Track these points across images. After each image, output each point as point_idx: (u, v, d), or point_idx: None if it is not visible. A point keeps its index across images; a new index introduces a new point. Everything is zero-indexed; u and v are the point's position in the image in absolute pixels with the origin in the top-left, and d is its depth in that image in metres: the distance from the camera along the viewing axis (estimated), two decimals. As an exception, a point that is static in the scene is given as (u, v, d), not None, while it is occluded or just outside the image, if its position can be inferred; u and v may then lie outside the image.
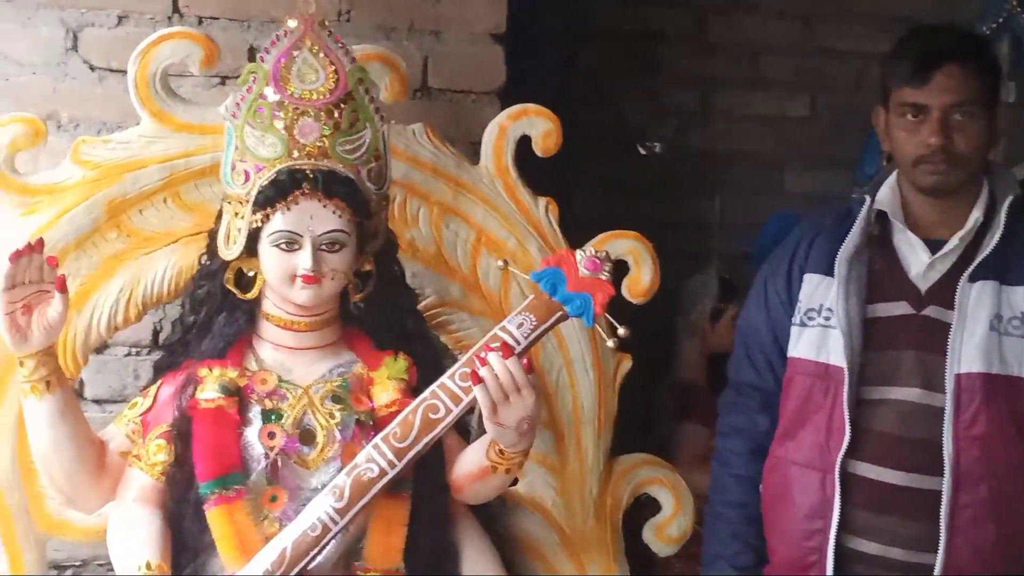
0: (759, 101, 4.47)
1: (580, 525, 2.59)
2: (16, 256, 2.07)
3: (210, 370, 2.24)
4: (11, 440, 2.37)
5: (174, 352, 2.36)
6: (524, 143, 2.59)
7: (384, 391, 2.29)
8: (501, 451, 2.16)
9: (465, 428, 2.40)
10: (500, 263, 2.24)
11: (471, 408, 2.17)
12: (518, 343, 2.14)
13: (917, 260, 2.35)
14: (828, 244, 2.42)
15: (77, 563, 2.74)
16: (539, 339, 2.18)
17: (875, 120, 2.47)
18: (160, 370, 2.37)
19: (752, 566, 2.48)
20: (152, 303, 2.46)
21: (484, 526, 2.42)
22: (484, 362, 2.09)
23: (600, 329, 2.15)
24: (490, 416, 2.09)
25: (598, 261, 2.18)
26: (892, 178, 2.44)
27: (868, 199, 2.40)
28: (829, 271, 2.38)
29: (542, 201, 2.61)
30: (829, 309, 2.36)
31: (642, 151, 4.37)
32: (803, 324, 2.41)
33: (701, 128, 4.41)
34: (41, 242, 2.11)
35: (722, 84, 4.45)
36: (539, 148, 2.58)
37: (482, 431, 2.21)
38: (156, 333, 2.76)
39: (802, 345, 2.41)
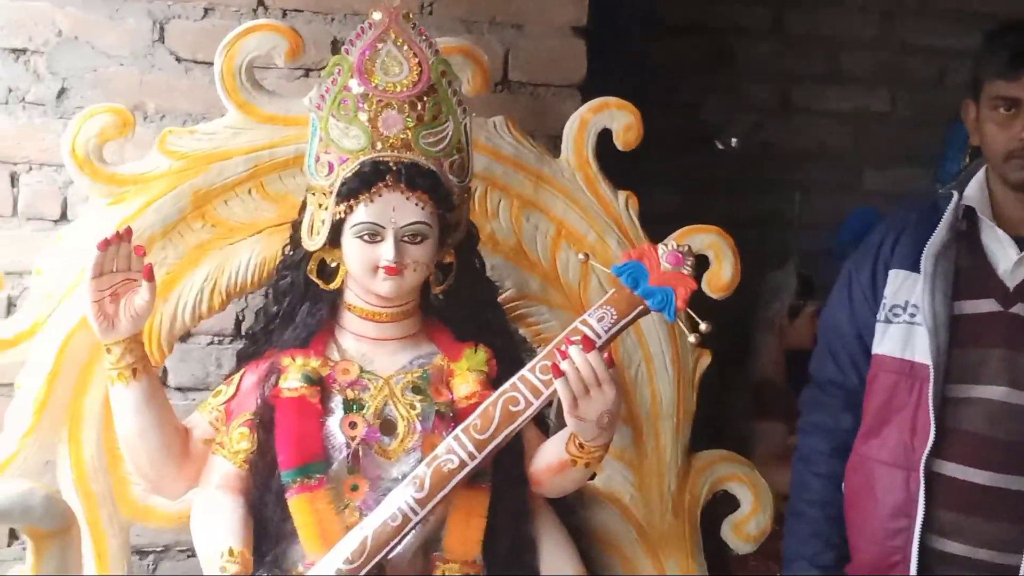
0: (838, 97, 4.43)
1: (658, 521, 2.58)
2: (104, 245, 2.10)
3: (293, 359, 2.26)
4: (97, 426, 2.40)
5: (257, 341, 2.38)
6: (602, 137, 2.59)
7: (464, 383, 2.30)
8: (581, 445, 2.16)
9: (544, 421, 2.40)
10: (581, 256, 2.24)
11: (550, 401, 2.18)
12: (599, 337, 2.14)
13: (1005, 257, 2.30)
14: (914, 240, 2.38)
15: (159, 548, 2.78)
16: (620, 333, 2.18)
17: (964, 114, 2.43)
18: (243, 359, 2.39)
19: (833, 565, 2.45)
20: (236, 292, 2.48)
21: (562, 519, 2.41)
22: (565, 355, 2.09)
23: (682, 324, 2.14)
24: (571, 409, 2.09)
25: (680, 255, 2.17)
26: (980, 173, 2.40)
27: (956, 194, 2.37)
28: (915, 267, 2.35)
29: (622, 195, 2.61)
30: (915, 306, 2.32)
31: (719, 147, 4.35)
32: (888, 321, 2.37)
33: (779, 124, 4.38)
34: (129, 231, 2.15)
35: (801, 79, 4.42)
36: (620, 142, 2.58)
37: (561, 424, 2.21)
38: (239, 322, 2.79)
39: (887, 342, 2.37)
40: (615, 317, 2.16)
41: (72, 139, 2.37)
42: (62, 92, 2.71)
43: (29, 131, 2.70)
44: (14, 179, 2.71)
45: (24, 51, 2.70)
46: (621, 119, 2.57)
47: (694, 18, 4.20)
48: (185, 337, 2.69)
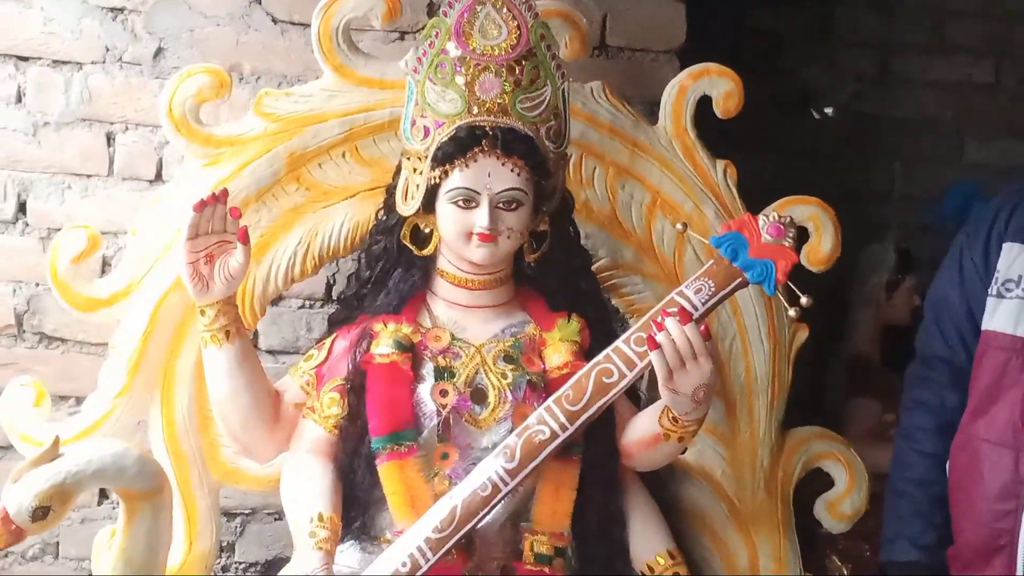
0: (941, 67, 4.32)
1: (750, 497, 2.54)
2: (200, 206, 2.09)
3: (385, 325, 2.24)
4: (189, 387, 2.40)
5: (349, 306, 2.37)
6: (700, 104, 2.54)
7: (556, 353, 2.26)
8: (675, 419, 2.12)
9: (636, 394, 2.36)
10: (678, 226, 2.19)
11: (644, 374, 2.14)
12: (696, 309, 2.09)
13: None
14: None
15: (247, 511, 2.78)
16: (717, 306, 2.14)
17: None
18: (335, 324, 2.37)
19: (935, 546, 2.36)
20: (328, 256, 2.47)
21: (652, 494, 2.38)
22: (661, 327, 2.04)
23: (781, 297, 2.09)
24: (665, 382, 2.05)
25: (782, 227, 2.12)
26: None
27: None
28: None
29: (720, 164, 2.55)
30: None
31: (816, 116, 4.26)
32: (1000, 296, 2.27)
33: (879, 94, 4.30)
34: (225, 193, 2.14)
35: (903, 48, 4.33)
36: (720, 109, 2.53)
37: (653, 397, 2.17)
38: (329, 287, 2.78)
39: (998, 318, 2.27)
40: (713, 289, 2.11)
41: (169, 99, 2.37)
42: (159, 52, 2.70)
43: (125, 90, 2.69)
44: (110, 138, 2.71)
45: (122, 10, 2.69)
46: (721, 86, 2.51)
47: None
48: (276, 300, 2.67)
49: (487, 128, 2.15)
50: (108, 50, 2.69)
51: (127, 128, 2.70)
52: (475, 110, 2.16)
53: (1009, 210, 2.34)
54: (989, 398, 2.27)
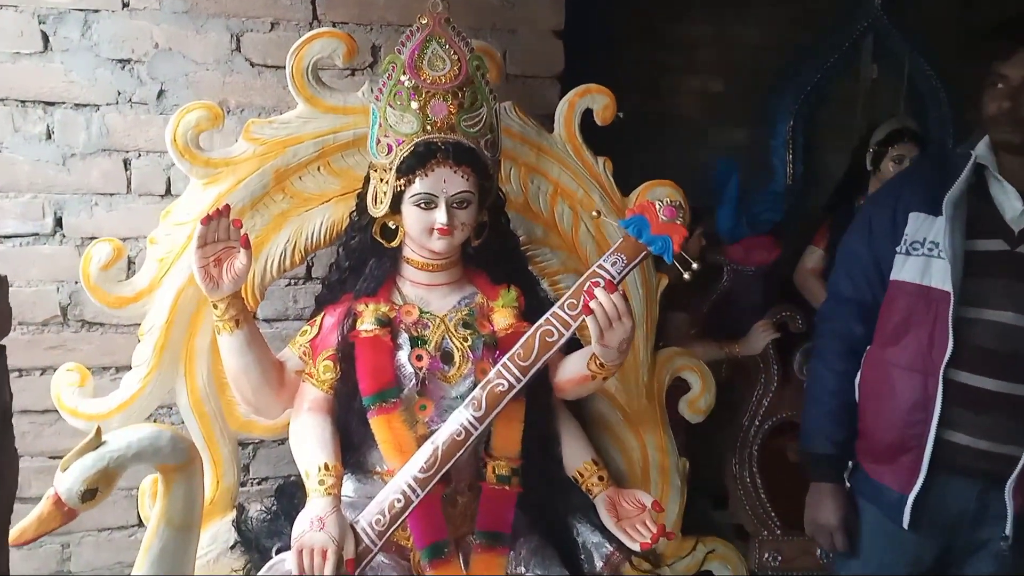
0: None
1: (636, 404, 2.08)
2: (207, 220, 1.54)
3: (367, 305, 1.71)
4: (207, 361, 1.83)
5: (333, 289, 1.81)
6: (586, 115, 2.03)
7: (502, 317, 1.76)
8: (601, 364, 1.65)
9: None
10: (594, 213, 1.72)
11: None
12: (614, 278, 1.62)
13: (1011, 206, 1.78)
14: (929, 188, 1.83)
15: (256, 441, 2.22)
16: (628, 274, 1.66)
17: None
18: (322, 303, 1.82)
19: (844, 442, 1.92)
20: (312, 249, 1.90)
21: (572, 412, 1.91)
22: (592, 295, 1.57)
23: (677, 264, 1.63)
24: (598, 339, 1.58)
25: (674, 209, 1.65)
26: (987, 137, 1.84)
27: (973, 153, 1.83)
28: (933, 211, 1.80)
29: (601, 160, 2.05)
30: (933, 242, 1.78)
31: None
32: (907, 253, 1.82)
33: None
34: (228, 207, 1.58)
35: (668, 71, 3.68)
36: (599, 118, 2.01)
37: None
38: (308, 268, 2.21)
39: (906, 271, 1.82)
40: (625, 261, 1.63)
41: (173, 131, 1.78)
42: (161, 93, 2.08)
43: (136, 125, 2.07)
44: (127, 163, 2.09)
45: (128, 60, 2.06)
46: (600, 100, 2.01)
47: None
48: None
49: (439, 143, 1.63)
50: (120, 93, 2.06)
51: (140, 155, 2.08)
52: (428, 129, 1.63)
53: (913, 184, 1.89)
54: (899, 332, 1.83)
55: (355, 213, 1.79)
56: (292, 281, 2.22)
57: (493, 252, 1.81)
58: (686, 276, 1.61)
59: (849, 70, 3.52)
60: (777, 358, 2.94)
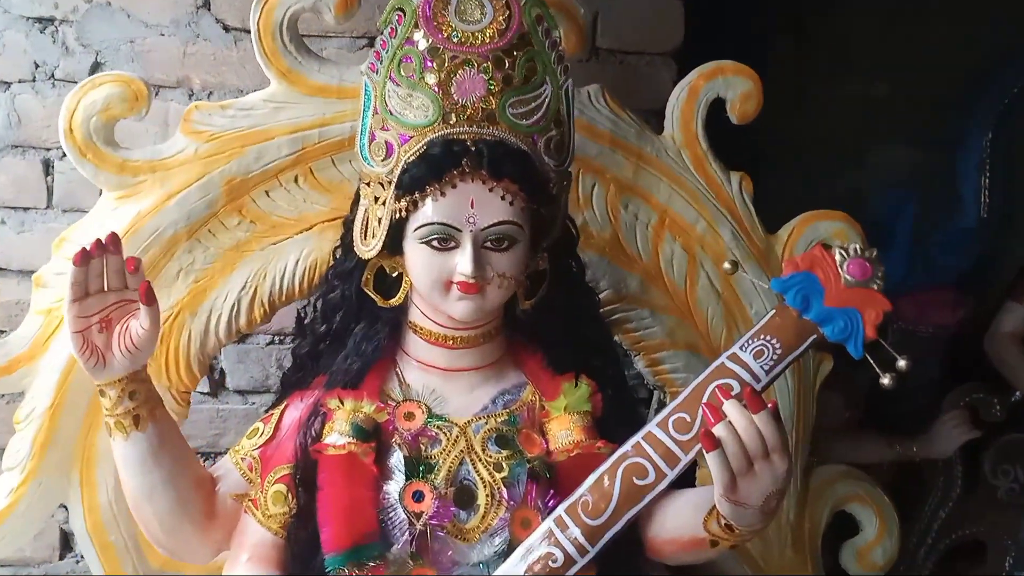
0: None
1: (777, 557, 1.45)
2: (82, 258, 1.00)
3: (341, 402, 1.13)
4: (112, 468, 1.26)
5: (303, 367, 1.25)
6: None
7: (563, 428, 1.14)
8: (729, 526, 1.02)
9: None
10: (726, 266, 1.08)
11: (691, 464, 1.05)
12: (757, 380, 1.01)
13: None
14: None
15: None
16: (782, 372, 1.04)
17: None
18: (287, 386, 1.26)
19: None
20: (282, 302, 1.35)
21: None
22: (718, 413, 0.96)
23: (870, 360, 1.00)
24: (727, 490, 0.96)
25: (868, 264, 1.03)
26: None
27: None
28: None
29: (736, 177, 1.44)
30: None
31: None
32: None
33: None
34: (116, 239, 1.04)
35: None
36: (736, 114, 1.41)
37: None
38: (301, 320, 1.64)
39: None
40: (779, 352, 1.02)
41: (68, 117, 1.26)
42: (96, 67, 1.56)
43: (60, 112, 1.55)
44: (48, 166, 1.59)
45: (51, 20, 1.56)
46: (738, 86, 1.40)
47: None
48: (243, 337, 1.58)
49: (468, 142, 1.05)
50: (38, 66, 1.57)
51: (65, 155, 1.56)
52: (452, 119, 1.06)
53: None
54: None
55: (339, 250, 1.23)
56: (276, 339, 1.68)
57: (556, 319, 1.20)
58: (885, 381, 0.99)
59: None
60: (960, 456, 2.37)
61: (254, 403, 1.67)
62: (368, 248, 1.13)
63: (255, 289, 1.32)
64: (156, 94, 1.53)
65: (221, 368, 1.66)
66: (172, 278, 1.29)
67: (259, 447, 1.17)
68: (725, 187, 1.44)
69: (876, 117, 2.96)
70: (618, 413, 1.17)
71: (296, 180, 1.32)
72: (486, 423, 1.13)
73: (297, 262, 1.32)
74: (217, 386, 1.68)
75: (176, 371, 1.30)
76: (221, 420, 1.67)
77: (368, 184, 1.13)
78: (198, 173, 1.29)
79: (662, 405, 1.44)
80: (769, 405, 0.97)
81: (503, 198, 1.05)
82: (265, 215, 1.32)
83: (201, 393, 1.66)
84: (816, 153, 2.87)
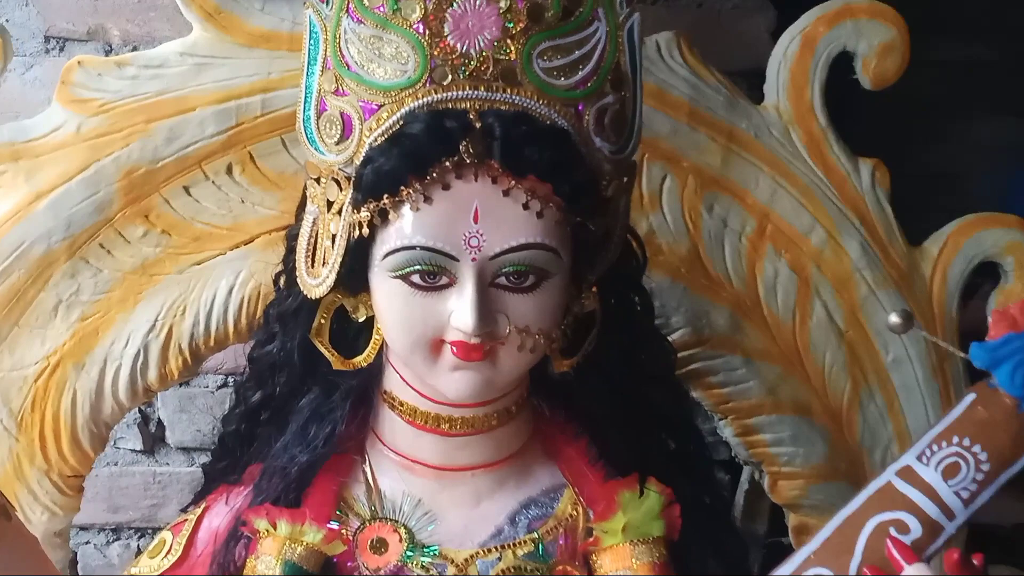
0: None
1: None
2: None
3: (273, 526, 0.76)
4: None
5: (231, 451, 0.87)
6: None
7: (620, 565, 0.76)
8: None
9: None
10: (893, 319, 0.69)
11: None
12: (950, 517, 0.62)
13: None
14: None
15: None
16: (988, 498, 0.66)
17: None
18: (211, 479, 0.89)
19: None
20: (210, 347, 0.98)
21: None
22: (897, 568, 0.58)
23: None
24: None
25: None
26: None
27: None
28: None
29: (867, 165, 1.06)
30: None
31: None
32: None
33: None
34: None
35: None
36: (871, 74, 1.03)
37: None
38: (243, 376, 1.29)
39: None
40: (984, 467, 0.64)
41: None
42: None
43: None
44: None
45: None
46: (874, 35, 1.01)
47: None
48: (187, 381, 1.23)
49: (470, 115, 0.66)
50: None
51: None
52: (446, 76, 0.67)
53: None
54: None
55: (282, 278, 0.85)
56: (229, 380, 1.32)
57: (609, 387, 0.82)
58: None
59: None
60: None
61: (201, 462, 1.31)
62: (316, 282, 0.75)
63: (169, 329, 0.95)
64: (62, 49, 1.18)
65: (159, 419, 1.32)
66: (47, 315, 0.93)
67: (163, 571, 0.81)
68: (852, 180, 1.06)
69: (980, 83, 2.57)
70: (705, 534, 0.79)
71: (229, 171, 0.95)
72: (500, 559, 0.75)
73: (231, 290, 0.96)
74: (154, 441, 1.33)
75: (56, 448, 0.95)
76: (159, 487, 1.33)
77: (318, 180, 0.75)
78: (82, 162, 0.92)
79: (756, 487, 1.06)
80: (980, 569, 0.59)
81: (527, 206, 0.67)
82: (183, 223, 0.95)
83: (134, 452, 1.33)
84: (906, 123, 2.50)
